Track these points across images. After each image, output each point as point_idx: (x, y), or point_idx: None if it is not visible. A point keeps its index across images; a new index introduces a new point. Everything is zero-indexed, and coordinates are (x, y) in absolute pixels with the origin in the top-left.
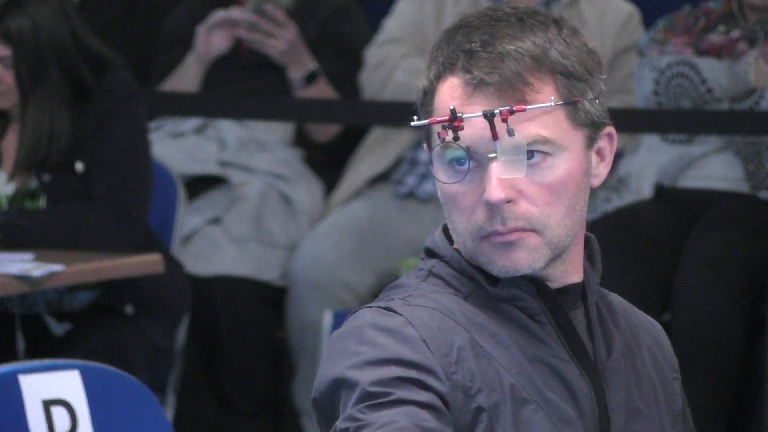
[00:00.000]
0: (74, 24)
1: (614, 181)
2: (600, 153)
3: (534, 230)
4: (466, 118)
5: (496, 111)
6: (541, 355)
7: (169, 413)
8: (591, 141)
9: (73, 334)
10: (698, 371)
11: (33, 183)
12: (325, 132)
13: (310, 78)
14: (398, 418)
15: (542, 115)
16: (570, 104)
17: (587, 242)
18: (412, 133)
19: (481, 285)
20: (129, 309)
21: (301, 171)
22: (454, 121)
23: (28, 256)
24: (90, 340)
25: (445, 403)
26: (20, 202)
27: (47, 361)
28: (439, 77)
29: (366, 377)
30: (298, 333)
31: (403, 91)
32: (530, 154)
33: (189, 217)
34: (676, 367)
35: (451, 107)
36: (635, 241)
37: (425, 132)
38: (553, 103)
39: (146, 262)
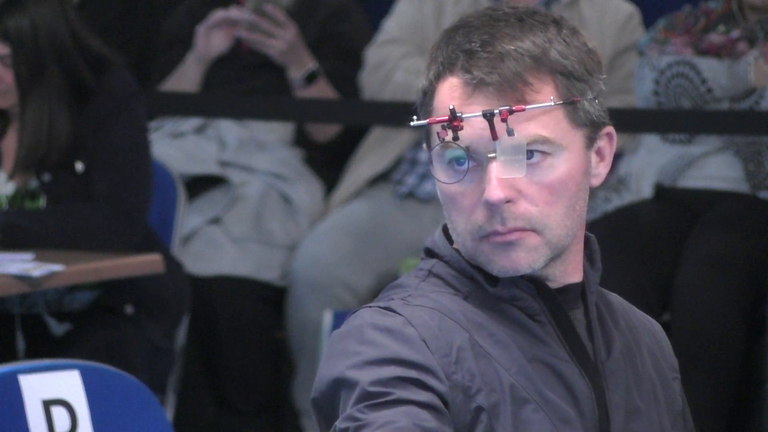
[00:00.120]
0: (74, 24)
1: (614, 181)
2: (600, 153)
3: (534, 230)
4: (466, 117)
5: (496, 111)
6: (540, 355)
7: (169, 413)
8: (591, 141)
9: (73, 334)
10: (698, 371)
11: (33, 183)
12: (325, 132)
13: (310, 78)
14: (398, 417)
15: (542, 115)
16: (569, 104)
17: (587, 242)
18: (412, 133)
19: (480, 285)
20: (129, 309)
21: (301, 171)
22: (453, 121)
23: (28, 256)
24: (90, 340)
25: (445, 403)
26: (20, 202)
27: (47, 361)
28: (438, 77)
29: (366, 377)
30: (298, 333)
31: (403, 91)
32: (530, 153)
33: (189, 217)
34: (675, 367)
35: (451, 107)
36: (635, 241)
37: (425, 132)
38: (552, 103)
39: (146, 262)
